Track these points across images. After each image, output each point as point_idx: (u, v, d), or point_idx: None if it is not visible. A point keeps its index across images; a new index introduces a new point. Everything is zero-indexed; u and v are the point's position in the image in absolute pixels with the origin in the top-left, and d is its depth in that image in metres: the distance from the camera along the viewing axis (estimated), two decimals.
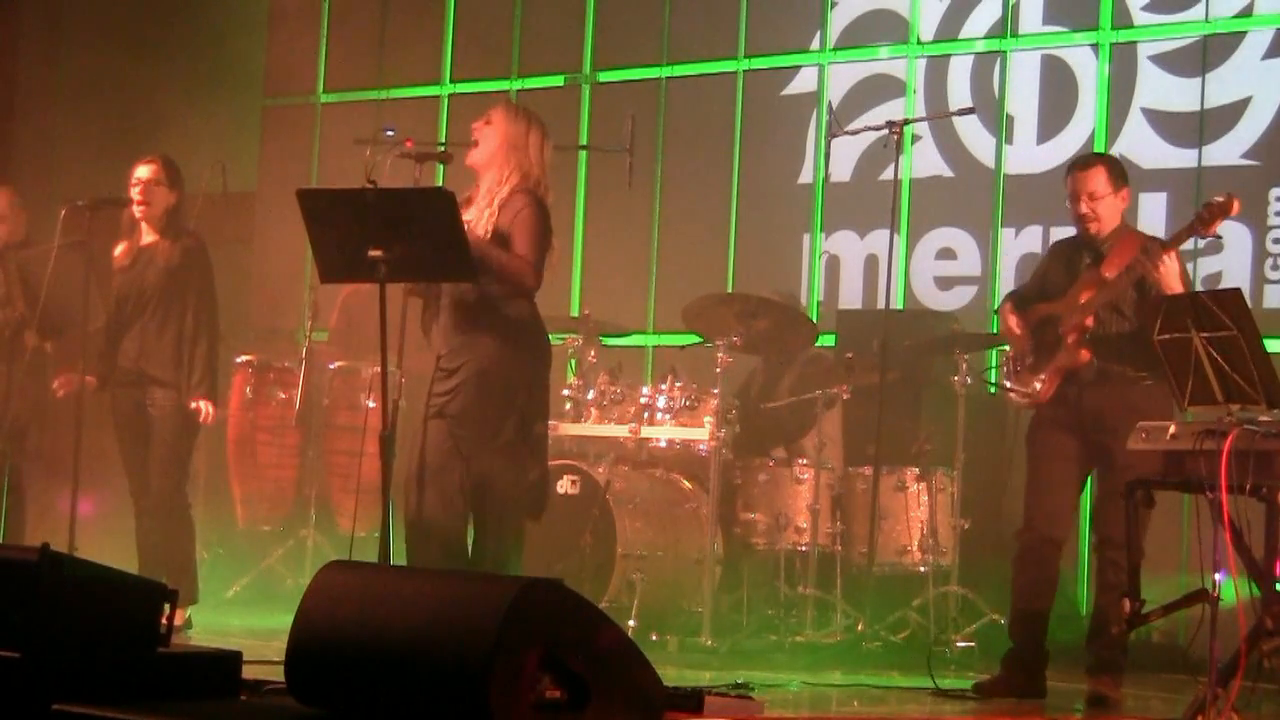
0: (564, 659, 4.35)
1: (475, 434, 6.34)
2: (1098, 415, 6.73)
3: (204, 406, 7.60)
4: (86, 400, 7.64)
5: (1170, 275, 6.55)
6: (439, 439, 6.37)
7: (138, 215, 7.69)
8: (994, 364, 8.30)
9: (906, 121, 8.27)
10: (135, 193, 7.66)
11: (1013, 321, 7.06)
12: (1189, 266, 8.27)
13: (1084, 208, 6.83)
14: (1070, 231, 7.17)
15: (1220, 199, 6.54)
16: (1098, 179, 6.84)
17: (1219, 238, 6.97)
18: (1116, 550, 6.47)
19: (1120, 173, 6.93)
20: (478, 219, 6.38)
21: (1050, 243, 8.57)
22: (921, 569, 8.10)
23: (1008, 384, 6.99)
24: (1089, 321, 6.77)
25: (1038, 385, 6.84)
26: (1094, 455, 6.80)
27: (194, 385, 7.59)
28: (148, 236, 7.71)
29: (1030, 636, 6.83)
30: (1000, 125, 9.11)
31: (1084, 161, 7.04)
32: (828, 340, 8.93)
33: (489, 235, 6.33)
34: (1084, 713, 6.60)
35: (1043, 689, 6.80)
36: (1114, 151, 8.72)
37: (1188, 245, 8.37)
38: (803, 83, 9.77)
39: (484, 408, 6.34)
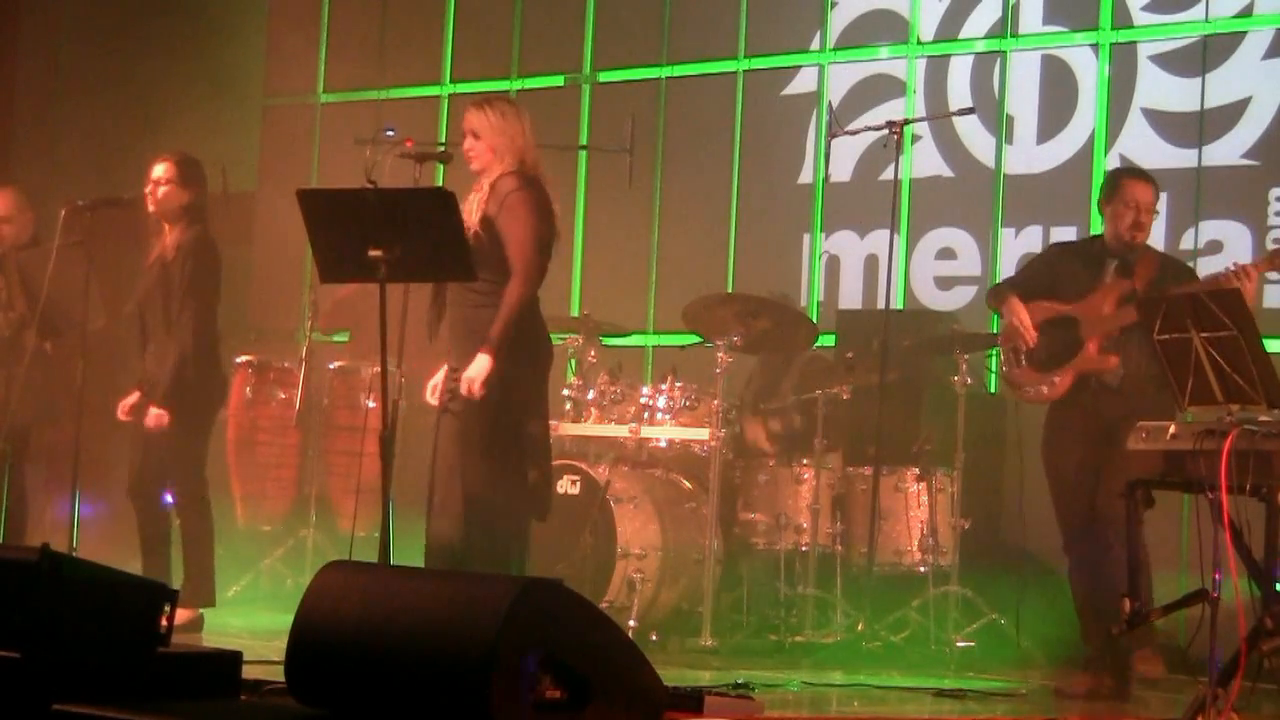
0: (564, 659, 4.35)
1: (472, 431, 6.39)
2: (1115, 424, 6.77)
3: (152, 413, 7.54)
4: (86, 399, 7.64)
5: (1249, 292, 6.64)
6: (449, 434, 6.45)
7: (151, 212, 7.70)
8: (994, 353, 8.31)
9: (906, 121, 8.27)
10: (147, 191, 7.67)
11: (1025, 315, 7.16)
12: (1188, 266, 8.29)
13: (1144, 218, 7.11)
14: (1067, 235, 7.25)
15: None
16: (1152, 195, 7.17)
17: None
18: (1121, 548, 6.52)
19: None
20: (468, 209, 6.42)
21: (1052, 242, 8.59)
22: (921, 569, 8.10)
23: (1016, 378, 7.06)
24: (1118, 329, 6.90)
25: (1053, 382, 6.92)
26: (1103, 458, 6.85)
27: (160, 386, 7.57)
28: (168, 237, 7.72)
29: (1104, 640, 6.79)
30: (1000, 125, 9.11)
31: (1142, 175, 7.34)
32: (828, 340, 8.92)
33: (478, 222, 6.40)
34: (1084, 711, 6.61)
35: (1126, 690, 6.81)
36: (1114, 151, 8.74)
37: (1187, 244, 8.44)
38: (803, 83, 9.76)
39: (481, 405, 6.38)
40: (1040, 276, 7.35)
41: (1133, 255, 7.09)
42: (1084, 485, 6.98)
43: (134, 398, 7.74)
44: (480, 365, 6.37)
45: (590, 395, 8.22)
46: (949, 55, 9.33)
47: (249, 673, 5.00)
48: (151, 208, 7.69)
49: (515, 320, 6.41)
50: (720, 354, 8.03)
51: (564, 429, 8.18)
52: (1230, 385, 5.41)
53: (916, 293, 9.27)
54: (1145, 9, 8.79)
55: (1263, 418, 5.32)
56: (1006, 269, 8.99)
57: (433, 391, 6.64)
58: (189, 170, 7.74)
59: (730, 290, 9.31)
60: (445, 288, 6.53)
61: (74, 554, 5.94)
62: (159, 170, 7.71)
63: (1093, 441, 6.93)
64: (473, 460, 6.40)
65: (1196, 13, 8.64)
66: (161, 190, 7.67)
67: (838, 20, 9.68)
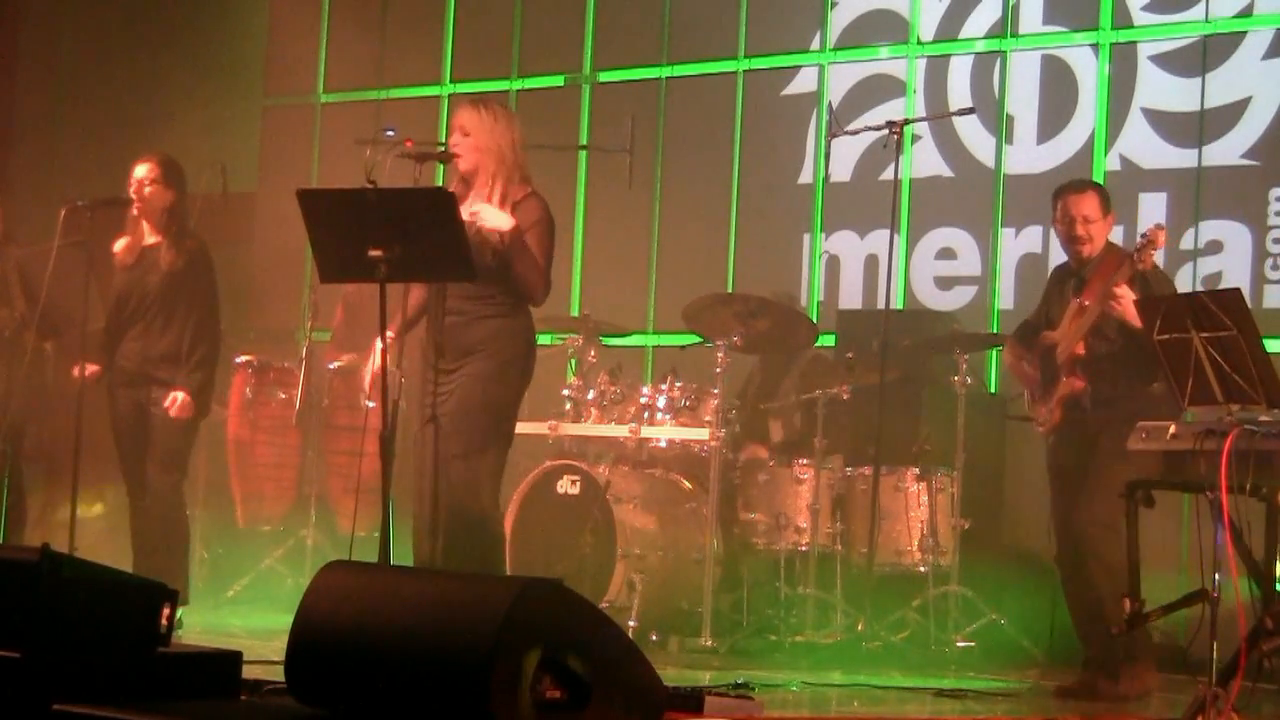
0: (564, 659, 4.35)
1: (462, 437, 6.36)
2: (1091, 439, 6.85)
3: (177, 396, 7.54)
4: (87, 399, 7.64)
5: (1129, 311, 6.61)
6: (442, 439, 6.41)
7: (135, 214, 7.71)
8: (994, 354, 8.33)
9: (906, 121, 8.26)
10: (132, 191, 7.68)
11: (1009, 357, 7.33)
12: (1188, 266, 8.31)
13: (1079, 230, 7.01)
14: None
15: (1146, 232, 6.78)
16: (1091, 203, 7.04)
17: (1157, 268, 7.03)
18: (1098, 544, 6.59)
19: (1109, 200, 7.13)
20: (492, 229, 6.36)
21: (1050, 247, 8.60)
22: (921, 569, 8.10)
23: (1031, 415, 7.21)
24: (1079, 350, 6.93)
25: (1044, 414, 7.02)
26: (1082, 472, 6.91)
27: (182, 379, 7.57)
28: (150, 237, 7.71)
29: (1099, 641, 6.84)
30: (1000, 125, 9.11)
31: (1077, 186, 7.22)
32: (828, 340, 8.93)
33: (507, 241, 6.35)
34: (1084, 711, 6.61)
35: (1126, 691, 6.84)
36: (1114, 151, 8.75)
37: (1187, 244, 8.44)
38: (803, 83, 9.77)
39: (478, 413, 6.36)
40: (1040, 308, 7.41)
41: (1088, 269, 7.03)
42: (1068, 496, 6.99)
43: (92, 369, 7.70)
44: (499, 218, 6.34)
45: (590, 395, 8.22)
46: (949, 55, 9.34)
47: (249, 673, 5.00)
48: (137, 209, 7.69)
49: (520, 275, 6.36)
50: (720, 354, 8.03)
51: (564, 429, 8.18)
52: (1230, 385, 5.41)
53: (916, 293, 9.28)
54: (1145, 9, 8.79)
55: (1263, 418, 5.32)
56: (1006, 269, 9.01)
57: (372, 383, 6.44)
58: (173, 171, 7.74)
59: (730, 290, 9.32)
60: (445, 295, 6.48)
61: (74, 554, 5.94)
62: (142, 170, 7.71)
63: (1077, 454, 6.96)
64: (475, 463, 6.38)
65: (1196, 13, 8.64)
66: (147, 190, 7.67)
67: (838, 20, 9.69)
